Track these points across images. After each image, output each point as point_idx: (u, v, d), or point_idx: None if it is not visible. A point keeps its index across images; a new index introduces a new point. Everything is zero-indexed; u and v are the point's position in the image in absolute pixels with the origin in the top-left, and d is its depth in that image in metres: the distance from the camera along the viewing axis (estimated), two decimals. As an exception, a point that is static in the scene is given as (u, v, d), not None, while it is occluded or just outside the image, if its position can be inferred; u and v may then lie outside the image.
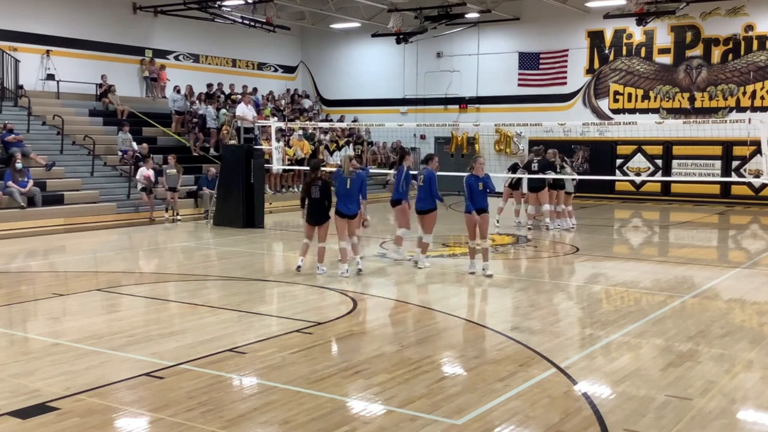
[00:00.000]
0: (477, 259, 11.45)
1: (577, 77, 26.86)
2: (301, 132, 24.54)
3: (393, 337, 7.83)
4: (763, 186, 21.28)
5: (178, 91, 24.41)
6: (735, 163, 23.51)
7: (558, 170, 16.50)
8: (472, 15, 25.93)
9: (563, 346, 7.58)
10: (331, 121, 29.25)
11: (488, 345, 7.62)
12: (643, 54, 25.87)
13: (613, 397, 6.02)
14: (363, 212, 11.76)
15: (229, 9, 24.31)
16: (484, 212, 11.24)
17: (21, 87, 21.54)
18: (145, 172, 19.31)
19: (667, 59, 25.50)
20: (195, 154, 22.66)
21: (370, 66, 30.77)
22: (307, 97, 31.24)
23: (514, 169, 17.87)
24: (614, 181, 24.61)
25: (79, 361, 6.85)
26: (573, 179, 17.22)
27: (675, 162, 24.60)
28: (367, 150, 26.99)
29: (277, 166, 21.73)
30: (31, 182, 17.21)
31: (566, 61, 27.00)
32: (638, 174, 25.01)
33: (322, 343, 7.60)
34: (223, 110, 23.61)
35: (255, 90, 27.54)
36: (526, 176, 16.75)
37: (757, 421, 5.75)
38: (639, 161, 25.42)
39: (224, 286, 10.72)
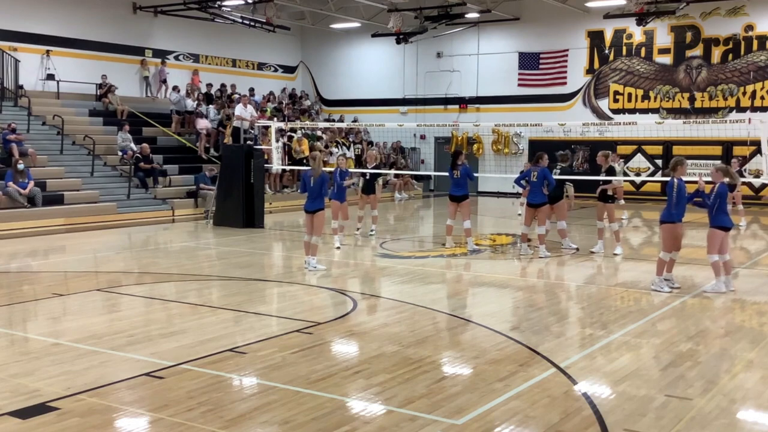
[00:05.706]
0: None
1: (577, 77, 26.86)
2: (299, 133, 24.55)
3: (393, 337, 7.82)
4: (763, 186, 21.26)
5: (178, 91, 24.40)
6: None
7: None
8: (472, 15, 25.93)
9: (563, 346, 7.58)
10: (332, 121, 29.21)
11: (488, 345, 7.61)
12: (643, 54, 25.87)
13: (613, 397, 6.02)
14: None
15: (229, 9, 24.31)
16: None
17: (21, 87, 21.55)
18: None
19: (667, 59, 25.50)
20: (200, 155, 22.62)
21: (370, 66, 30.76)
22: (307, 97, 31.22)
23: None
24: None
25: (79, 361, 6.85)
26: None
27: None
28: (367, 149, 26.95)
29: (277, 166, 21.73)
30: (31, 183, 17.20)
31: (566, 61, 27.00)
32: (638, 174, 25.01)
33: (322, 343, 7.59)
34: (214, 111, 23.65)
35: (252, 90, 27.53)
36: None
37: (757, 421, 5.74)
38: (639, 161, 25.44)
39: (224, 286, 10.72)
